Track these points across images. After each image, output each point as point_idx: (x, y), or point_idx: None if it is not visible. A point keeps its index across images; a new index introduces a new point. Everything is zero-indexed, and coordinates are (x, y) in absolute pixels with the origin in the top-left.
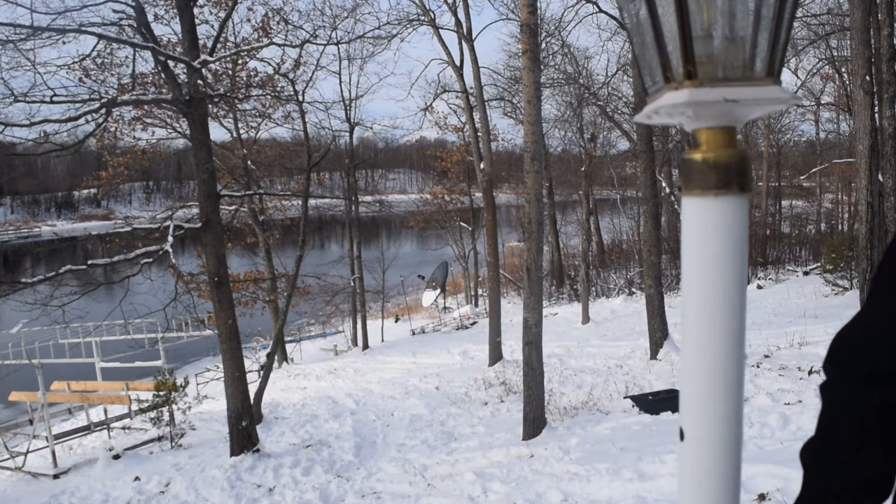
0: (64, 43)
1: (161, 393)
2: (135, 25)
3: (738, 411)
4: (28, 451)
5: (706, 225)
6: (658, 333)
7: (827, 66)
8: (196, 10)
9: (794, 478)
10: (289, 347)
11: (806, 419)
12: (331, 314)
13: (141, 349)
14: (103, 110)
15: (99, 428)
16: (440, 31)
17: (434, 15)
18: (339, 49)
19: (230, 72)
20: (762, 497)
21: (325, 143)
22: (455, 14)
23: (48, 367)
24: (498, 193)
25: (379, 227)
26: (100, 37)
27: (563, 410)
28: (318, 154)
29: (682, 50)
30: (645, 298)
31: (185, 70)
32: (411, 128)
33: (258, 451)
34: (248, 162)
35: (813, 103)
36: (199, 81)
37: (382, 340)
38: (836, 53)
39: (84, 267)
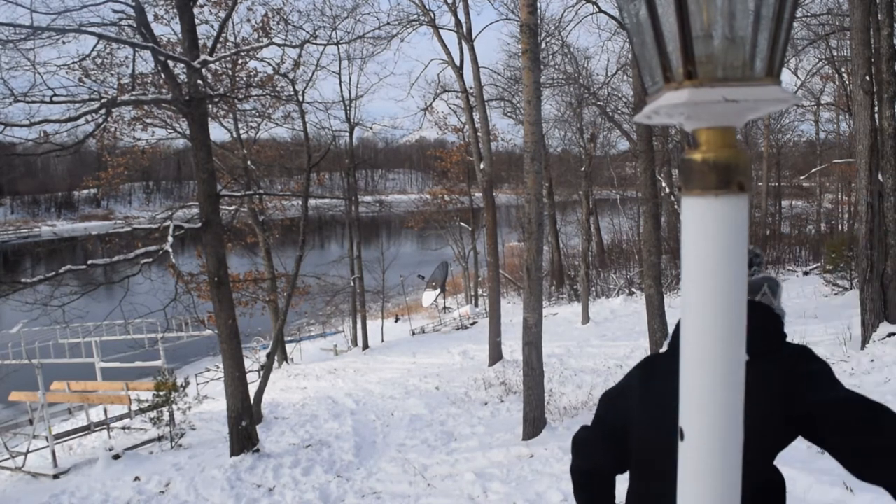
0: (64, 43)
1: (161, 393)
2: (135, 25)
3: (738, 411)
4: (28, 451)
5: (706, 225)
6: (658, 333)
7: (827, 66)
8: (196, 10)
9: (794, 477)
10: (289, 347)
11: None
12: (331, 314)
13: (141, 349)
14: (103, 110)
15: (99, 428)
16: (440, 31)
17: (434, 15)
18: (339, 49)
19: (230, 72)
20: None
21: (325, 143)
22: (455, 14)
23: (48, 367)
24: (498, 193)
25: (379, 227)
26: (100, 37)
27: (563, 410)
28: (318, 154)
29: (682, 50)
30: (645, 298)
31: (185, 70)
32: (411, 128)
33: (258, 451)
34: (248, 162)
35: (813, 103)
36: (199, 81)
37: (382, 340)
38: (836, 53)
39: (84, 267)
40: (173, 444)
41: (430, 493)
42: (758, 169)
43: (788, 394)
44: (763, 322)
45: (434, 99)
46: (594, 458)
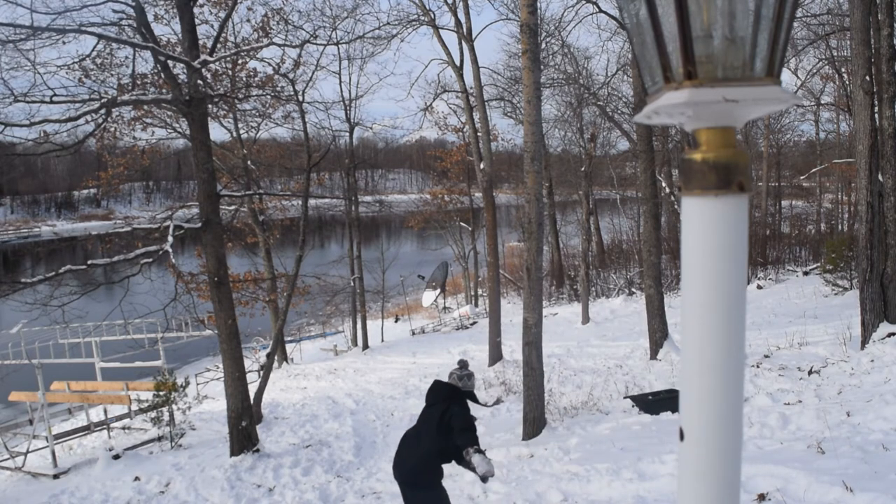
0: (64, 43)
1: (161, 393)
2: (135, 25)
3: (738, 411)
4: (28, 451)
5: (706, 225)
6: (658, 333)
7: (827, 66)
8: (196, 10)
9: (794, 478)
10: (289, 347)
11: (806, 419)
12: (331, 314)
13: (141, 349)
14: (103, 110)
15: (99, 428)
16: (440, 31)
17: (434, 15)
18: (339, 49)
19: (230, 72)
20: (762, 497)
21: (325, 143)
22: (455, 14)
23: (48, 367)
24: (498, 193)
25: (379, 227)
26: (100, 37)
27: (563, 410)
28: (318, 154)
29: (682, 50)
30: (645, 298)
31: (185, 70)
32: (411, 128)
33: (258, 451)
34: (248, 162)
35: (813, 103)
36: (199, 81)
37: (382, 340)
38: (836, 53)
39: (84, 267)
40: (173, 444)
41: None
42: (758, 169)
43: (445, 421)
44: (447, 390)
45: (434, 99)
46: None
